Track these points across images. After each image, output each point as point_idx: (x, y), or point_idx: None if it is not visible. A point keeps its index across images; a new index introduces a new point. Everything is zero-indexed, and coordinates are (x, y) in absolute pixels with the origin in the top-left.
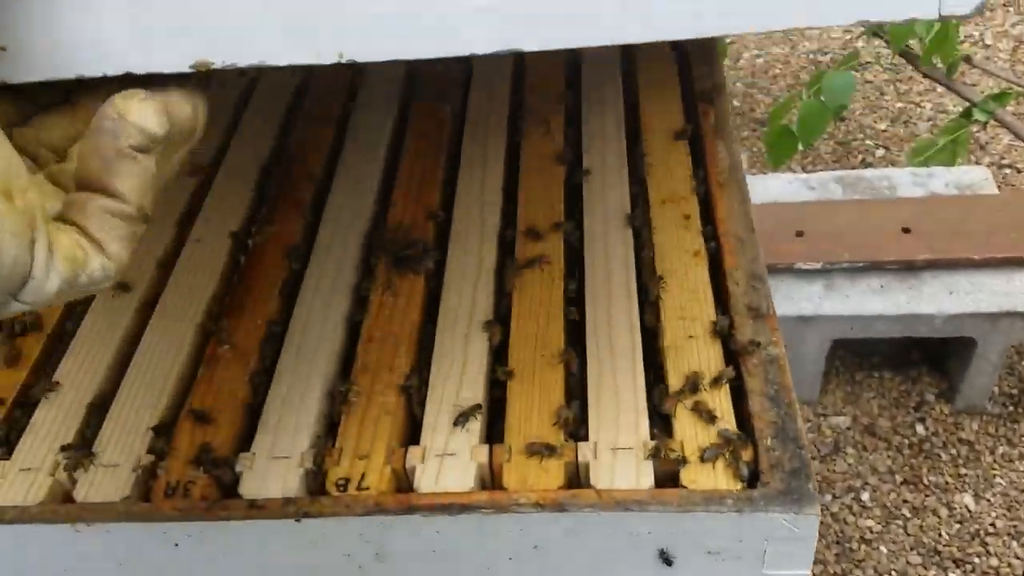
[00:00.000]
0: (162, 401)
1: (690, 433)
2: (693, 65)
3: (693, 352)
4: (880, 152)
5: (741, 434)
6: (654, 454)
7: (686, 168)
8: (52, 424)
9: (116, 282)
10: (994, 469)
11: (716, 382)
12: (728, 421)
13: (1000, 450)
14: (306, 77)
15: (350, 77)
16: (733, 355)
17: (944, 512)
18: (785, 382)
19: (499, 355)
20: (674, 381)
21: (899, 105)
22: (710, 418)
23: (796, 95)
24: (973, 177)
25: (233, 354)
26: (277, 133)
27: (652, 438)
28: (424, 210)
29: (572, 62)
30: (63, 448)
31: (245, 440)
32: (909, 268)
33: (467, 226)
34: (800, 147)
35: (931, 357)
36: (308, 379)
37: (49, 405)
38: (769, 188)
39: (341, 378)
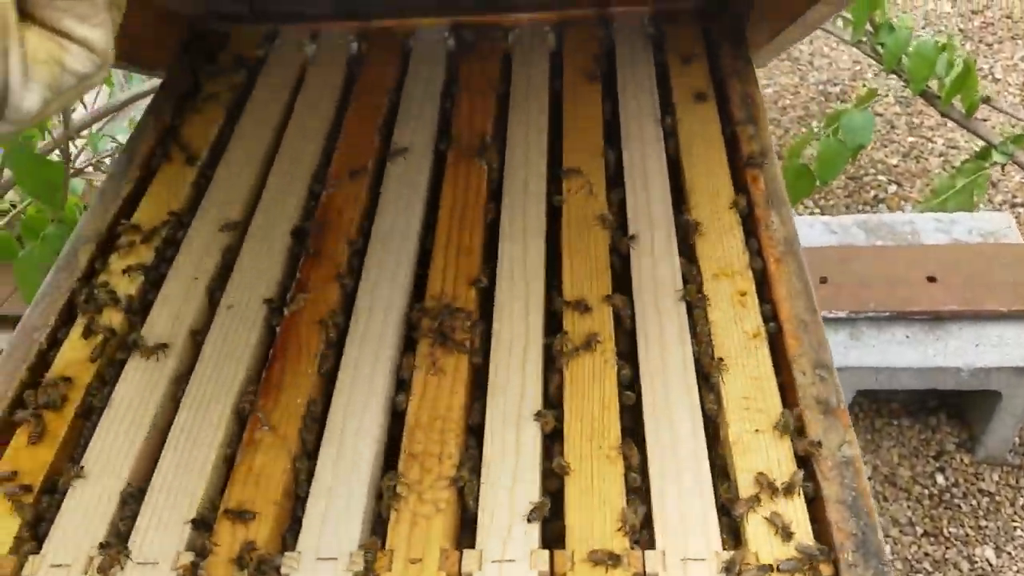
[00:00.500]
0: (199, 489)
1: (764, 543)
2: (737, 125)
3: (760, 449)
4: (892, 188)
5: (823, 548)
6: (728, 568)
7: (738, 239)
8: (83, 514)
9: (148, 346)
10: (1015, 521)
11: (789, 490)
12: (803, 530)
13: (1020, 501)
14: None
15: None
16: (803, 456)
17: (965, 566)
18: (862, 487)
19: (553, 440)
20: (743, 482)
21: (910, 139)
22: (786, 533)
23: (811, 133)
24: (996, 224)
25: (273, 438)
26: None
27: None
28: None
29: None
30: (100, 546)
31: (289, 531)
32: (936, 319)
33: (511, 295)
34: (817, 185)
35: (949, 404)
36: (353, 468)
37: (79, 492)
38: None
39: (387, 467)
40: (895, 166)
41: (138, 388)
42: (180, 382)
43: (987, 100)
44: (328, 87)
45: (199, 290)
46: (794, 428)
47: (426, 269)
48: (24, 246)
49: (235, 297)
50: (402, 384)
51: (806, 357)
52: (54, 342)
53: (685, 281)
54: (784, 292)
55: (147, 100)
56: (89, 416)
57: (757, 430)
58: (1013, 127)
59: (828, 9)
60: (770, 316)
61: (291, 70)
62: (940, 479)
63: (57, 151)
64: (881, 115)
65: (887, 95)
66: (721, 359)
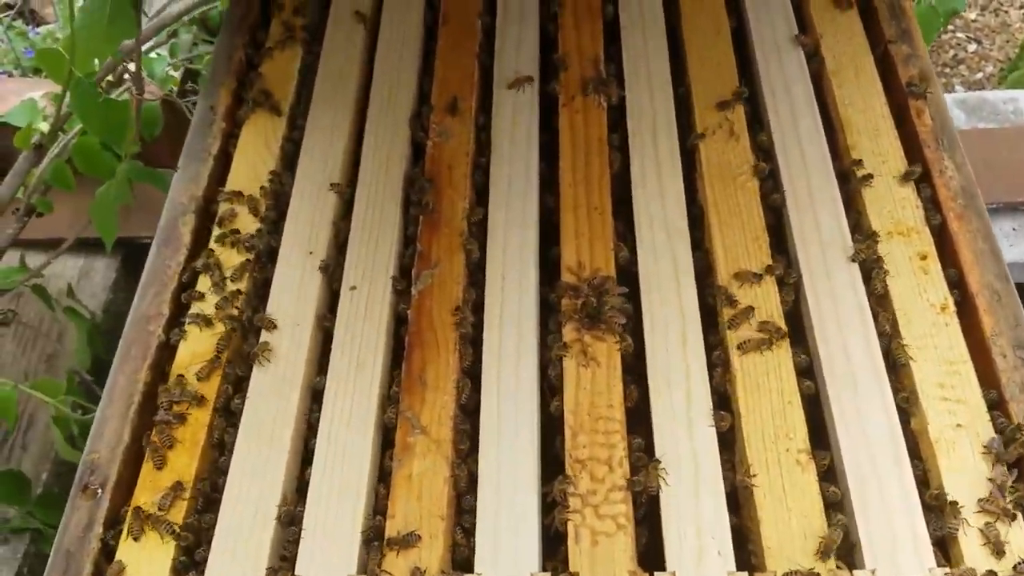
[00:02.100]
0: (360, 504)
1: (980, 560)
2: (889, 44)
3: (966, 449)
4: (972, 47)
5: None
6: None
7: (909, 188)
8: (240, 536)
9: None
10: None
11: (992, 496)
12: (1020, 543)
13: None
14: (426, 57)
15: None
16: (1012, 448)
17: None
18: None
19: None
20: (951, 488)
21: None
22: (999, 549)
23: None
24: None
25: (427, 441)
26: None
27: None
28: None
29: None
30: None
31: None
32: None
33: (655, 262)
34: None
35: None
36: (515, 477)
37: (231, 511)
38: None
39: (545, 469)
40: (973, 21)
41: (272, 387)
42: (316, 377)
43: None
44: (411, 4)
45: (315, 267)
46: (1004, 423)
47: (552, 227)
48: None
49: (356, 276)
50: (552, 375)
51: (1004, 336)
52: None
53: (854, 239)
54: (970, 256)
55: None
56: (227, 417)
57: (959, 424)
58: None
59: None
60: (954, 283)
61: None
62: None
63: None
64: None
65: None
66: (905, 342)
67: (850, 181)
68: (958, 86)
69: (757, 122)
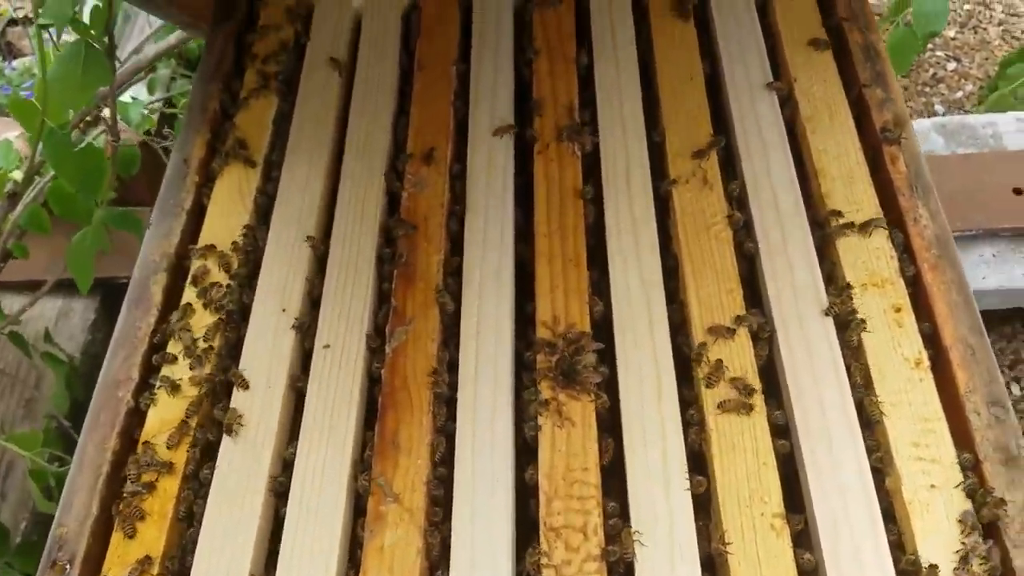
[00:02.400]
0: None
1: None
2: (864, 87)
3: (940, 512)
4: (952, 65)
5: None
6: None
7: (883, 237)
8: None
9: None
10: None
11: (964, 563)
12: None
13: None
14: (401, 104)
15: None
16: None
17: None
18: None
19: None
20: (926, 553)
21: (967, 7)
22: None
23: (880, 21)
24: None
25: (399, 510)
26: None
27: None
28: (577, 296)
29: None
30: None
31: None
32: (1023, 234)
33: (630, 315)
34: None
35: None
36: (490, 544)
37: None
38: None
39: (528, 534)
40: (952, 39)
41: (243, 454)
42: (288, 441)
43: None
44: (386, 52)
45: (289, 326)
46: (975, 485)
47: (527, 275)
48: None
49: (330, 334)
50: (528, 435)
51: (978, 393)
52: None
53: (828, 291)
54: (944, 309)
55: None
56: (196, 487)
57: (932, 485)
58: None
59: None
60: (928, 335)
61: (341, 31)
62: (1015, 389)
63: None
64: None
65: None
66: (879, 399)
67: (825, 230)
68: (938, 105)
69: (732, 169)
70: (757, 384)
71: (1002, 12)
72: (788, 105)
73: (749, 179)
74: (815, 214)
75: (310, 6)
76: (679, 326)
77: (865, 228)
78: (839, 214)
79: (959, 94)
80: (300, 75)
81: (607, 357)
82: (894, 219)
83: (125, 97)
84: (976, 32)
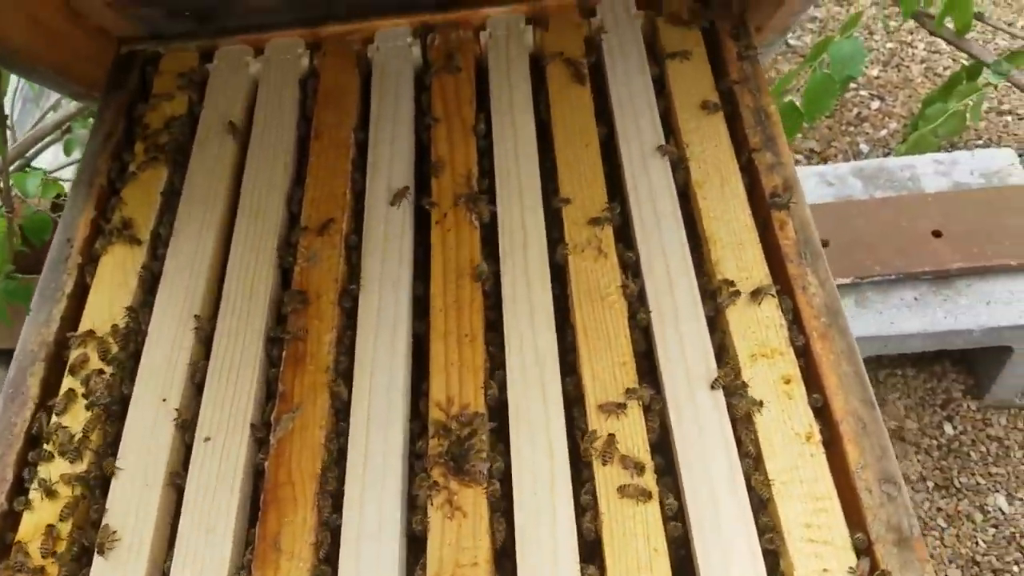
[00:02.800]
0: None
1: None
2: (754, 152)
3: None
4: (875, 104)
5: None
6: None
7: (772, 305)
8: None
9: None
10: None
11: None
12: None
13: None
14: (297, 172)
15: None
16: None
17: (979, 517)
18: None
19: None
20: None
21: (890, 46)
22: None
23: (797, 67)
24: (999, 162)
25: None
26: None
27: None
28: (472, 376)
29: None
30: None
31: None
32: (943, 277)
33: (525, 395)
34: (806, 122)
35: (955, 351)
36: None
37: None
38: None
39: None
40: (876, 78)
41: (116, 569)
42: (166, 549)
43: (980, 17)
44: (282, 120)
45: (169, 417)
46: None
47: (422, 351)
48: None
49: (212, 424)
50: (416, 529)
51: (870, 469)
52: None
53: (719, 362)
54: (835, 380)
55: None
56: None
57: (825, 570)
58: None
59: None
60: (818, 408)
61: (237, 98)
62: (948, 429)
63: None
64: (859, 12)
65: None
66: (770, 481)
67: (716, 300)
68: (863, 144)
69: (628, 235)
70: (648, 462)
71: (924, 50)
72: (680, 169)
73: (642, 248)
74: (707, 282)
75: (205, 73)
76: (575, 402)
77: (755, 296)
78: (730, 283)
79: (883, 132)
80: (192, 146)
81: (503, 436)
82: (783, 287)
83: (45, 159)
84: (899, 70)
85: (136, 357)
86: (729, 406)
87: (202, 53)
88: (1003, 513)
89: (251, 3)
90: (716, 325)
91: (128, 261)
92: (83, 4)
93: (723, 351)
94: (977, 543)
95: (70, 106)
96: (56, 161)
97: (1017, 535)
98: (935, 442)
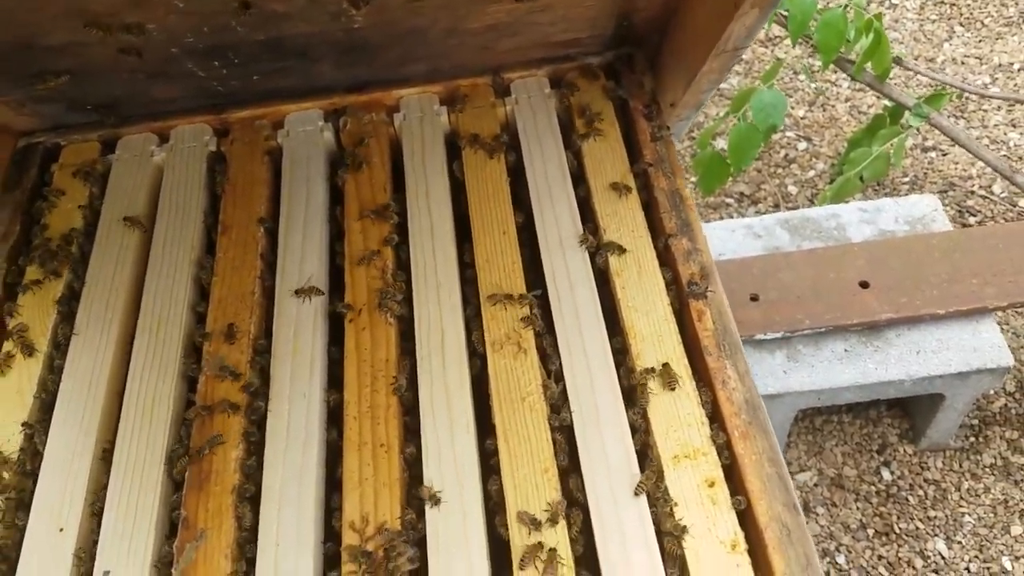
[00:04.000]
0: None
1: None
2: (670, 238)
3: None
4: (803, 145)
5: None
6: None
7: (693, 400)
8: None
9: None
10: (961, 507)
11: None
12: None
13: (965, 485)
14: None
15: None
16: None
17: (919, 563)
18: None
19: None
20: None
21: (814, 85)
22: None
23: (720, 119)
24: (923, 208)
25: None
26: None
27: None
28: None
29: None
30: None
31: None
32: (872, 328)
33: (446, 520)
34: (732, 172)
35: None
36: None
37: None
38: (713, 239)
39: None
40: (802, 118)
41: None
42: None
43: (898, 61)
44: (188, 214)
45: (67, 550)
46: None
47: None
48: None
49: (110, 556)
50: None
51: None
52: None
53: (642, 465)
54: (757, 484)
55: None
56: None
57: None
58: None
59: (754, 16)
60: (741, 511)
61: (140, 189)
62: (886, 474)
63: None
64: (780, 58)
65: (785, 38)
66: None
67: (636, 397)
68: (791, 186)
69: (550, 328)
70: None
71: (848, 88)
72: (599, 256)
73: (562, 342)
74: (629, 378)
75: (108, 165)
76: (496, 513)
77: (673, 391)
78: (650, 371)
79: (811, 173)
80: (92, 246)
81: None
82: (703, 380)
83: None
84: (824, 109)
85: (34, 485)
86: (653, 516)
87: (105, 143)
88: (943, 557)
89: (155, 93)
90: (638, 426)
91: (24, 378)
92: None
93: (647, 450)
94: None
95: None
96: None
97: None
98: (873, 488)
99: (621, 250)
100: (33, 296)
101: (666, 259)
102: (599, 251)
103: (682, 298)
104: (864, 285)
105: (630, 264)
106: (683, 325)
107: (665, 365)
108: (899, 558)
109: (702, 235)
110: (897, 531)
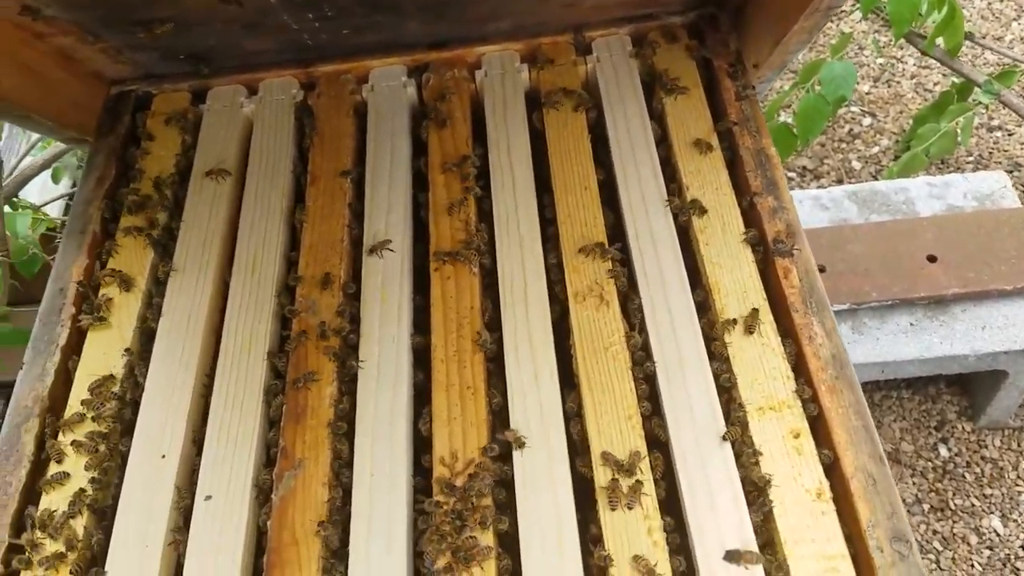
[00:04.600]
0: None
1: None
2: (755, 196)
3: None
4: (867, 120)
5: None
6: None
7: (778, 354)
8: None
9: None
10: (1018, 486)
11: None
12: None
13: (1023, 465)
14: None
15: None
16: None
17: (974, 539)
18: None
19: None
20: None
21: (880, 61)
22: None
23: (789, 90)
24: (992, 185)
25: None
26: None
27: None
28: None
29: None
30: None
31: None
32: (939, 302)
33: (533, 463)
34: (799, 144)
35: (949, 374)
36: None
37: None
38: None
39: None
40: (867, 94)
41: None
42: None
43: (970, 37)
44: (278, 164)
45: (169, 477)
46: None
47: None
48: None
49: (212, 482)
50: None
51: (881, 527)
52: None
53: (726, 415)
54: (844, 436)
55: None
56: None
57: None
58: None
59: None
60: (828, 464)
61: (231, 140)
62: (943, 450)
63: None
64: (846, 32)
65: (851, 12)
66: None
67: (721, 352)
68: (855, 161)
69: (632, 282)
70: (658, 521)
71: (914, 65)
72: (683, 213)
73: (645, 296)
74: (711, 329)
75: (199, 114)
76: (580, 453)
77: (762, 346)
78: (732, 323)
79: (875, 149)
80: (187, 189)
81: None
82: (789, 336)
83: (29, 190)
84: (890, 86)
85: (136, 412)
86: (738, 463)
87: (194, 93)
88: (998, 535)
89: (247, 45)
90: (722, 377)
91: (124, 314)
92: (76, 49)
93: (731, 402)
94: (973, 565)
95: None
96: (44, 189)
97: (1012, 557)
98: (930, 464)
99: (703, 209)
100: (131, 238)
101: (751, 217)
102: (683, 209)
103: (767, 256)
104: (932, 259)
105: (713, 221)
106: (768, 283)
107: (753, 310)
108: (953, 534)
109: (788, 194)
110: (952, 507)
